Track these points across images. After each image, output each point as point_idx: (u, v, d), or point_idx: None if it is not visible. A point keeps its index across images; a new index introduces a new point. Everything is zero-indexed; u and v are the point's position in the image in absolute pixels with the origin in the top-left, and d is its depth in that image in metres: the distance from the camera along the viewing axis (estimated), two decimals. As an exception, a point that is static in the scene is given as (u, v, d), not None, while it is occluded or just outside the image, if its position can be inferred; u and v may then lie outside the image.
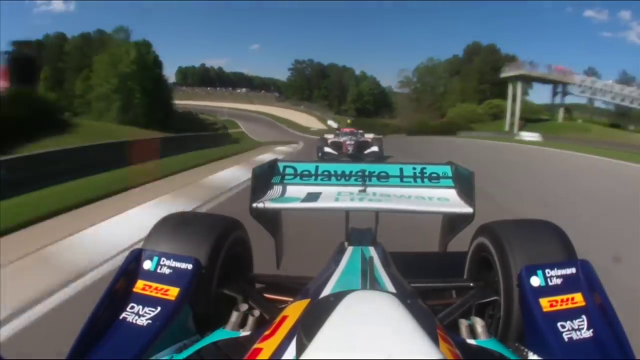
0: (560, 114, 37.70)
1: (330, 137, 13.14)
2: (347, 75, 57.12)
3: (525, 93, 39.51)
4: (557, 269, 1.06)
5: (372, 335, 0.52)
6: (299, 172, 1.67)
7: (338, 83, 54.75)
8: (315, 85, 57.47)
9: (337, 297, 0.67)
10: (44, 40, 36.03)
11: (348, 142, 11.52)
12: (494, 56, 46.50)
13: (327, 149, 11.30)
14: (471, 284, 1.39)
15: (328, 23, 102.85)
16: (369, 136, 13.13)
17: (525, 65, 36.56)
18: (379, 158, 10.94)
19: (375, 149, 11.46)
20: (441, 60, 51.15)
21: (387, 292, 0.88)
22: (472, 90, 45.54)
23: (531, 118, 37.91)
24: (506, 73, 37.45)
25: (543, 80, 37.29)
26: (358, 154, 10.74)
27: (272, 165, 1.68)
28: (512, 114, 36.24)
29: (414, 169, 1.64)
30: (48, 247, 3.71)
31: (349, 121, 18.17)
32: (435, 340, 0.63)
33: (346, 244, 1.46)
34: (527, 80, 37.89)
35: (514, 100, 36.43)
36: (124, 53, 26.99)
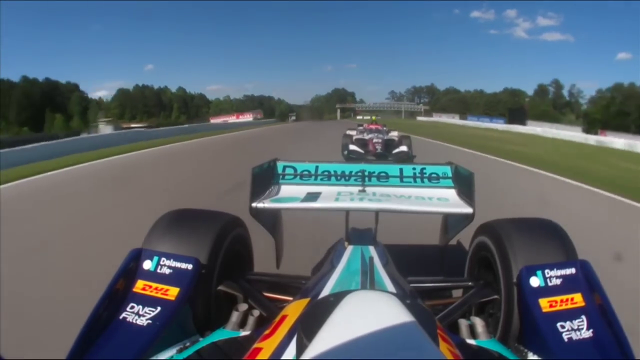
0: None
1: (353, 133, 11.45)
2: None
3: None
4: (557, 269, 1.05)
5: (373, 336, 0.51)
6: (298, 171, 1.67)
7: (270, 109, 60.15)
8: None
9: (337, 297, 0.67)
10: None
11: (375, 140, 9.90)
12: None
13: (352, 147, 9.49)
14: (471, 284, 1.38)
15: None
16: (395, 134, 11.18)
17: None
18: (408, 159, 8.95)
19: (404, 148, 9.57)
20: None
21: (387, 292, 0.87)
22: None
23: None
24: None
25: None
26: (386, 154, 9.23)
27: (271, 165, 1.66)
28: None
29: (414, 169, 1.64)
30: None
31: (373, 117, 15.77)
32: (435, 340, 0.62)
33: (346, 243, 1.46)
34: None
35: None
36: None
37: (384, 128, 11.98)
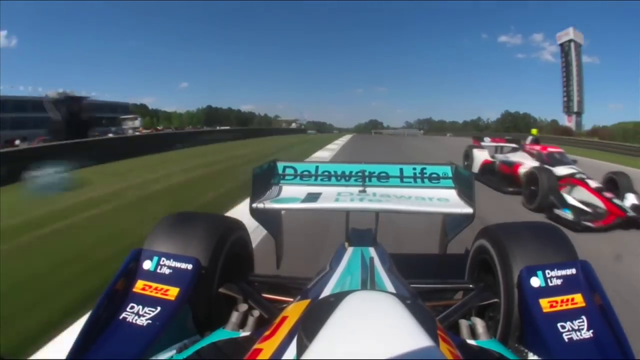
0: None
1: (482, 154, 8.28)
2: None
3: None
4: (557, 270, 1.05)
5: (373, 335, 0.51)
6: (299, 172, 1.66)
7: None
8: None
9: (337, 298, 0.66)
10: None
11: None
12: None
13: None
14: (471, 286, 1.37)
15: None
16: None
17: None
18: None
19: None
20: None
21: (388, 292, 0.87)
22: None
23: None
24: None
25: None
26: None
27: (271, 166, 1.66)
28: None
29: (414, 169, 1.62)
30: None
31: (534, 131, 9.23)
32: (435, 340, 0.62)
33: (346, 244, 1.44)
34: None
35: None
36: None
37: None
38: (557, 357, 0.89)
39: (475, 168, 8.13)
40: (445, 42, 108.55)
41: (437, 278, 1.39)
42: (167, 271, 1.10)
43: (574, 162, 6.61)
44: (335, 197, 1.46)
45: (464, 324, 1.07)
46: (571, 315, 0.97)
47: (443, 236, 1.75)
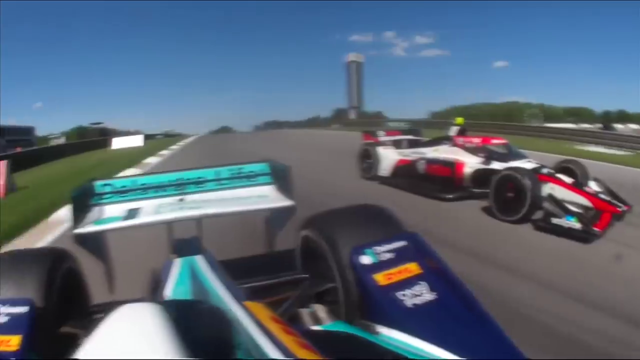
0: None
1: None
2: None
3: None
4: (386, 245, 1.07)
5: (123, 350, 0.51)
6: (117, 188, 1.57)
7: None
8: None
9: (107, 313, 0.65)
10: None
11: None
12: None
13: None
14: (306, 275, 1.37)
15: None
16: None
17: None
18: None
19: None
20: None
21: (164, 302, 0.88)
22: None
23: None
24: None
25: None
26: None
27: (89, 185, 1.55)
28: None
29: (231, 170, 1.63)
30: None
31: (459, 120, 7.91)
32: (228, 345, 0.64)
33: (173, 256, 1.39)
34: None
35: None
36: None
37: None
38: (404, 323, 0.91)
39: (384, 169, 6.93)
40: (279, 46, 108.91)
41: (270, 274, 1.37)
42: (3, 320, 0.96)
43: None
44: (156, 210, 1.43)
45: (304, 312, 1.10)
46: (409, 283, 0.99)
47: (268, 233, 1.75)
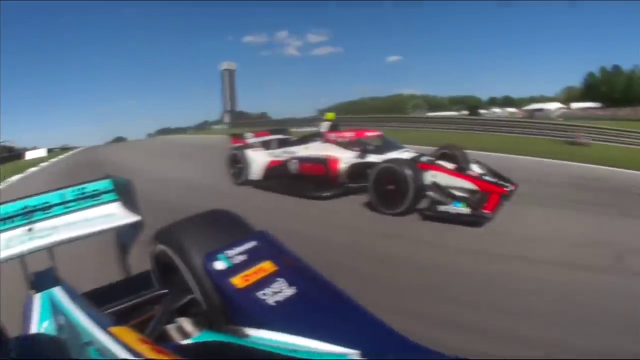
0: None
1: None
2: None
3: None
4: (237, 247, 1.10)
5: None
6: None
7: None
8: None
9: None
10: None
11: None
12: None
13: None
14: (166, 290, 1.33)
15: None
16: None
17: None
18: None
19: None
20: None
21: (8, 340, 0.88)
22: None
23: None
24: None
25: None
26: None
27: None
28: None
29: (74, 191, 1.58)
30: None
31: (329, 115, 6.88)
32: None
33: (31, 292, 1.32)
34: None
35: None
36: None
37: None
38: (270, 321, 0.91)
39: (255, 173, 6.35)
40: (171, 50, 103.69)
41: (132, 294, 1.32)
42: None
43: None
44: (5, 245, 1.34)
45: (172, 328, 1.07)
46: (267, 281, 1.02)
47: (120, 252, 1.71)
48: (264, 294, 0.97)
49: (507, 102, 46.37)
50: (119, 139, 50.78)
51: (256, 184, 6.30)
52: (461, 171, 4.44)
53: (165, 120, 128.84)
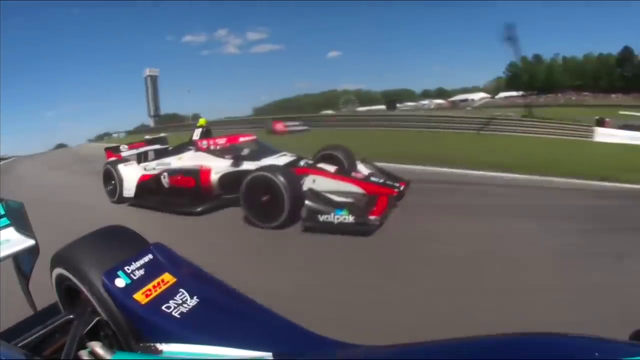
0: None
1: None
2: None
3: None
4: (135, 262, 1.08)
5: None
6: None
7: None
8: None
9: None
10: None
11: None
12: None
13: None
14: (72, 316, 1.25)
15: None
16: None
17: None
18: None
19: None
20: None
21: None
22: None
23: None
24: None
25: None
26: None
27: None
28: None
29: None
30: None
31: (202, 121, 7.37)
32: None
33: None
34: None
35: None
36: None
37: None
38: (179, 334, 0.91)
39: (128, 189, 5.68)
40: (105, 52, 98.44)
41: (40, 325, 1.23)
42: None
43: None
44: None
45: (83, 355, 0.98)
46: (170, 294, 1.01)
47: (22, 281, 1.54)
48: (169, 307, 0.97)
49: (440, 94, 48.51)
50: (61, 146, 48.91)
51: (131, 202, 5.63)
52: (344, 173, 4.12)
53: (109, 123, 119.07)
